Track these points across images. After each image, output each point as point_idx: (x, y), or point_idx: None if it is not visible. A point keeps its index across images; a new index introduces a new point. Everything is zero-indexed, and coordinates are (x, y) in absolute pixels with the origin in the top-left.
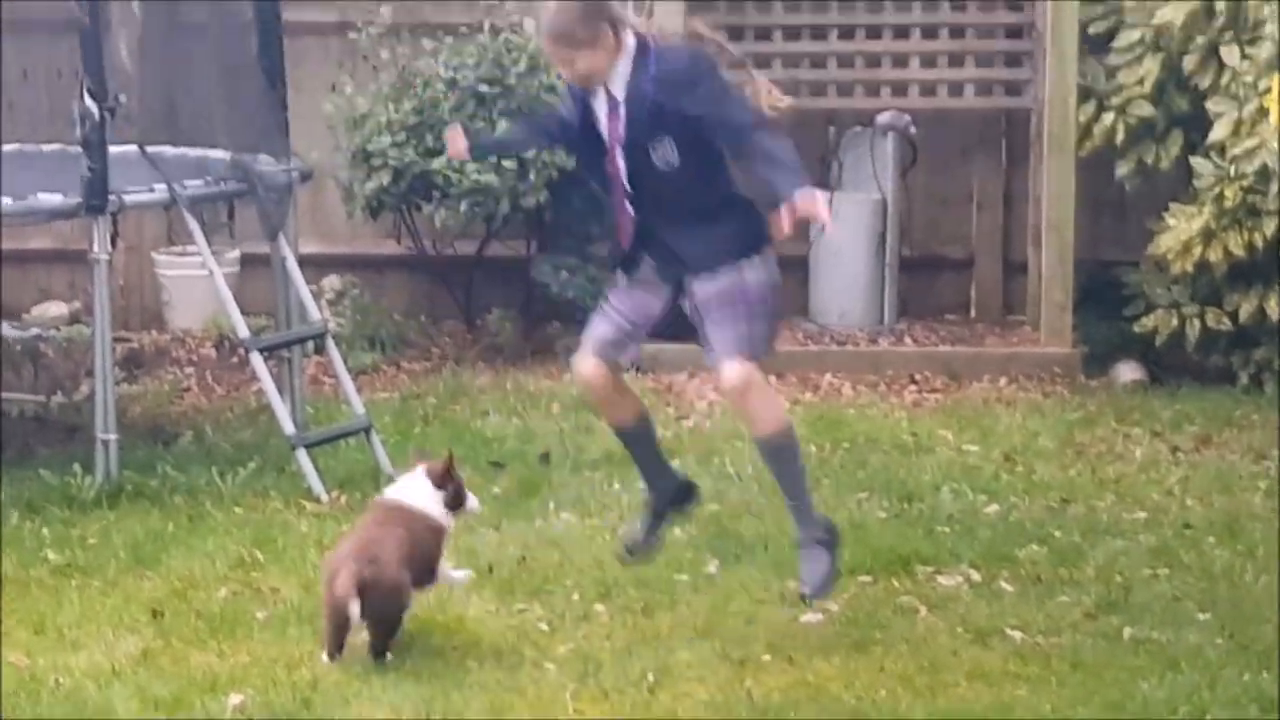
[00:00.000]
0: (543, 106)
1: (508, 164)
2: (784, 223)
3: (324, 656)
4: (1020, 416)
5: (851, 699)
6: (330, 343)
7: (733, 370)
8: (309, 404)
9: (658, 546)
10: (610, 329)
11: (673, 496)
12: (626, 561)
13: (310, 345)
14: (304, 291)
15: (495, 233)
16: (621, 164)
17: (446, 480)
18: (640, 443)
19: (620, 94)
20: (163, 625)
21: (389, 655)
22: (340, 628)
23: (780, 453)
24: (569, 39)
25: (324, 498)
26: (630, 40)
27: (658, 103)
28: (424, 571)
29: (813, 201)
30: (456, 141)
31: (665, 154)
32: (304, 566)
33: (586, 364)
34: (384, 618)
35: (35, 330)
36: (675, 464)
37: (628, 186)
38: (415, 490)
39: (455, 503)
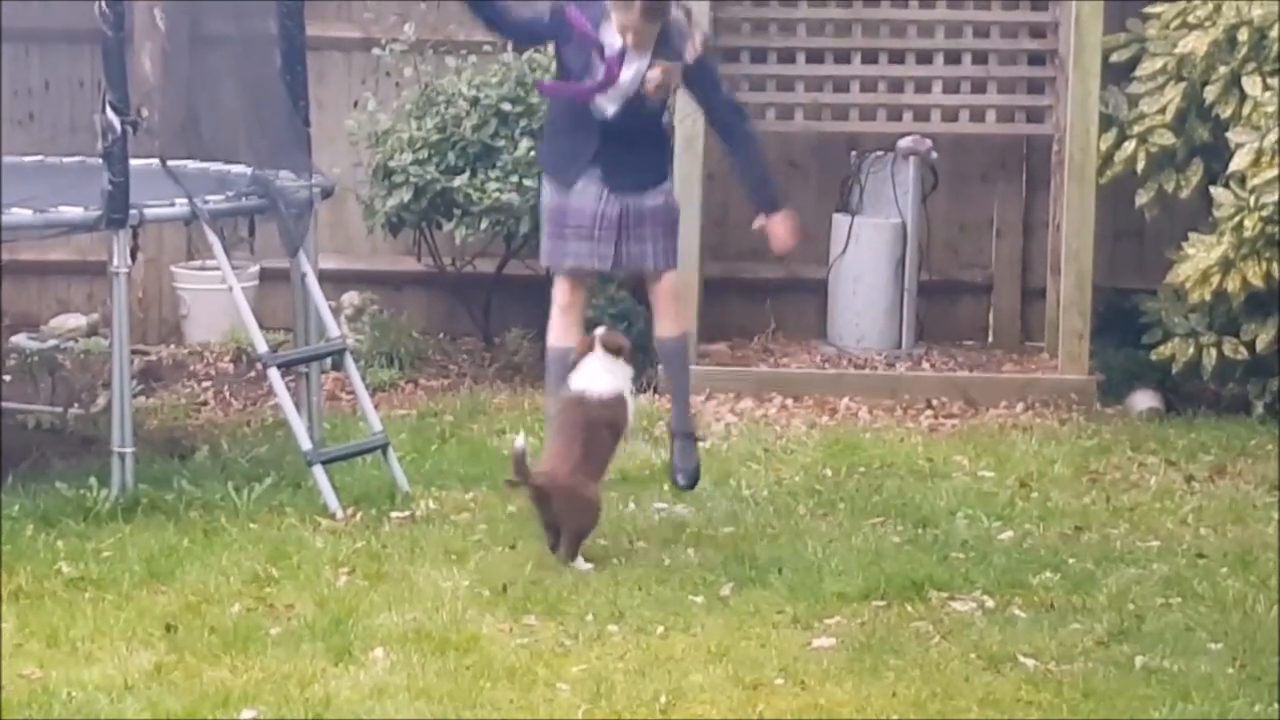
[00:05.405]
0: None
1: (529, 183)
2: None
3: None
4: (1036, 443)
5: None
6: (348, 359)
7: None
8: (326, 420)
9: None
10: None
11: None
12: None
13: (328, 361)
14: (323, 307)
15: (515, 251)
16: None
17: None
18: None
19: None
20: (176, 640)
21: None
22: None
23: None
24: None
25: (339, 514)
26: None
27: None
28: None
29: None
30: None
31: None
32: (318, 583)
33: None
34: None
35: (53, 342)
36: None
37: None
38: None
39: None
